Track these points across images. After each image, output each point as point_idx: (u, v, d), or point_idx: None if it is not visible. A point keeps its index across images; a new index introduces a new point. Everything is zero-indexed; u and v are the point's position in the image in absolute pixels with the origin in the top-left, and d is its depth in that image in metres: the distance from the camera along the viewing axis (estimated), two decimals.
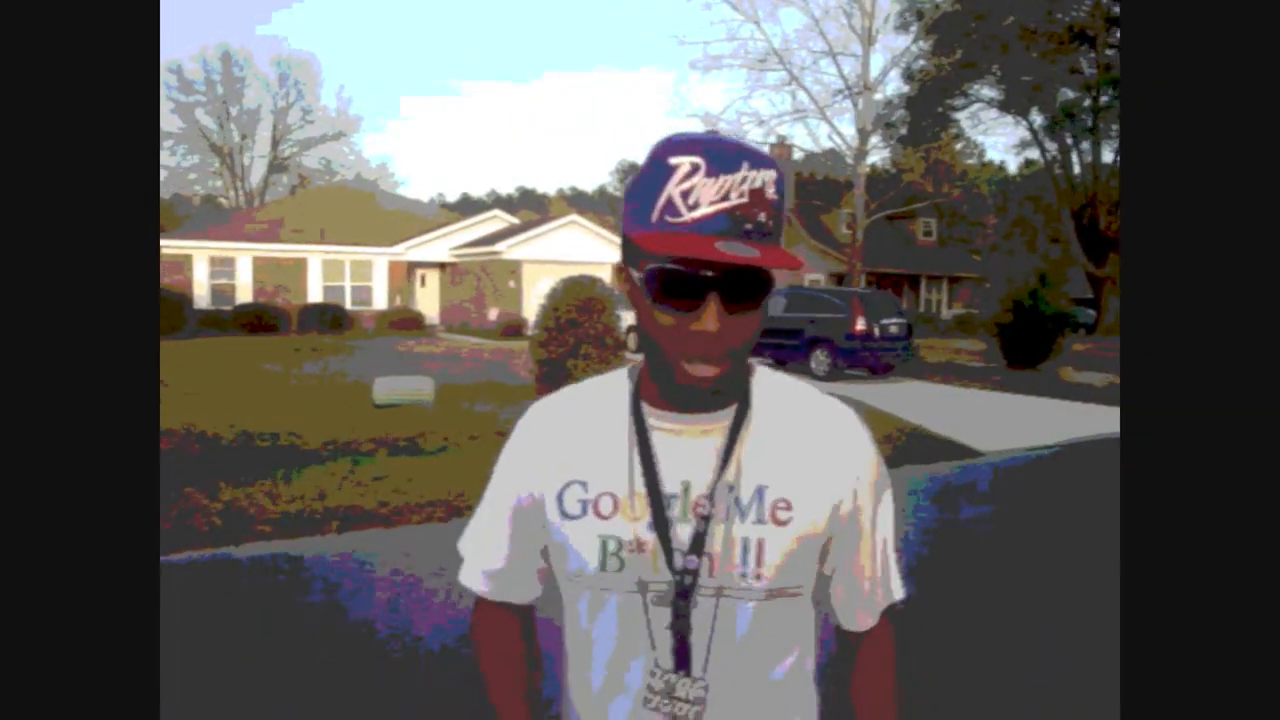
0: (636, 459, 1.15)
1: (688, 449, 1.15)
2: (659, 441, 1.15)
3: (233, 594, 5.05)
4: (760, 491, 1.13)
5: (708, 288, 1.01)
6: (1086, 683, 3.89)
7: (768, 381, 1.22)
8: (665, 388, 1.15)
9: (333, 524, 6.42)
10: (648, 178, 1.04)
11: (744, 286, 1.02)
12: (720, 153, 1.01)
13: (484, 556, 1.29)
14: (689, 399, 1.14)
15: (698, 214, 1.00)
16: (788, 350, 17.84)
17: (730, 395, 1.16)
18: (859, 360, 17.14)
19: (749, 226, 1.01)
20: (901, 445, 10.08)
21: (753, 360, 1.21)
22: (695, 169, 1.00)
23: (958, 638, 4.49)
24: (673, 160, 1.02)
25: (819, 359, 17.24)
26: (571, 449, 1.20)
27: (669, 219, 1.01)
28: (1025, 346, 19.06)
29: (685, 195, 1.00)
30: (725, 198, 1.00)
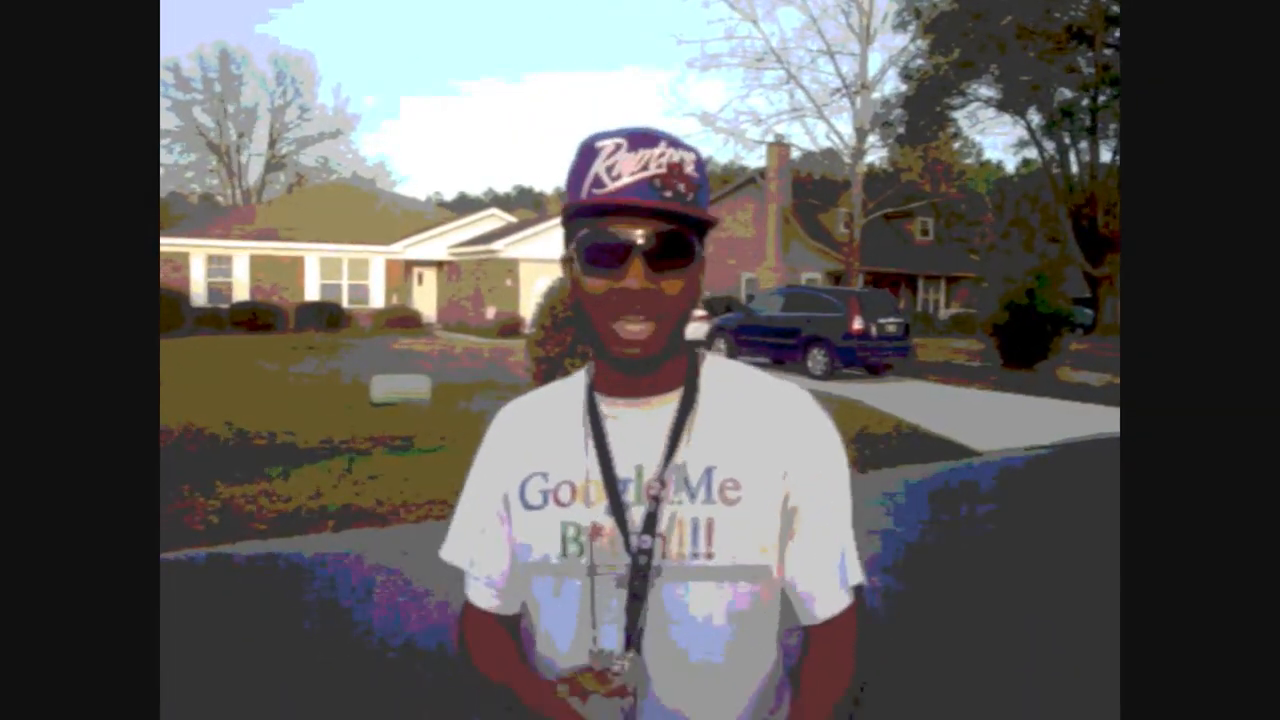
0: (591, 446, 1.20)
1: (640, 433, 1.19)
2: (612, 428, 1.20)
3: (229, 592, 5.04)
4: (709, 472, 1.16)
5: (631, 248, 1.09)
6: (1085, 683, 3.89)
7: (717, 367, 1.27)
8: (609, 366, 1.20)
9: (329, 522, 6.42)
10: (577, 163, 1.14)
11: (667, 247, 1.10)
12: (640, 134, 1.12)
13: (476, 566, 1.31)
14: (630, 370, 1.18)
15: (620, 183, 1.09)
16: (785, 349, 17.84)
17: (674, 374, 1.21)
18: (856, 360, 17.13)
19: (668, 194, 1.09)
20: (898, 444, 10.10)
21: (705, 351, 1.29)
22: (618, 147, 1.10)
23: (955, 637, 4.49)
24: (598, 145, 1.12)
25: (816, 358, 17.24)
26: (533, 443, 1.25)
27: (595, 191, 1.10)
28: (1023, 346, 19.06)
29: (609, 170, 1.10)
30: (645, 168, 1.09)
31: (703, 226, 1.14)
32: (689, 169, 1.12)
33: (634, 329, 1.11)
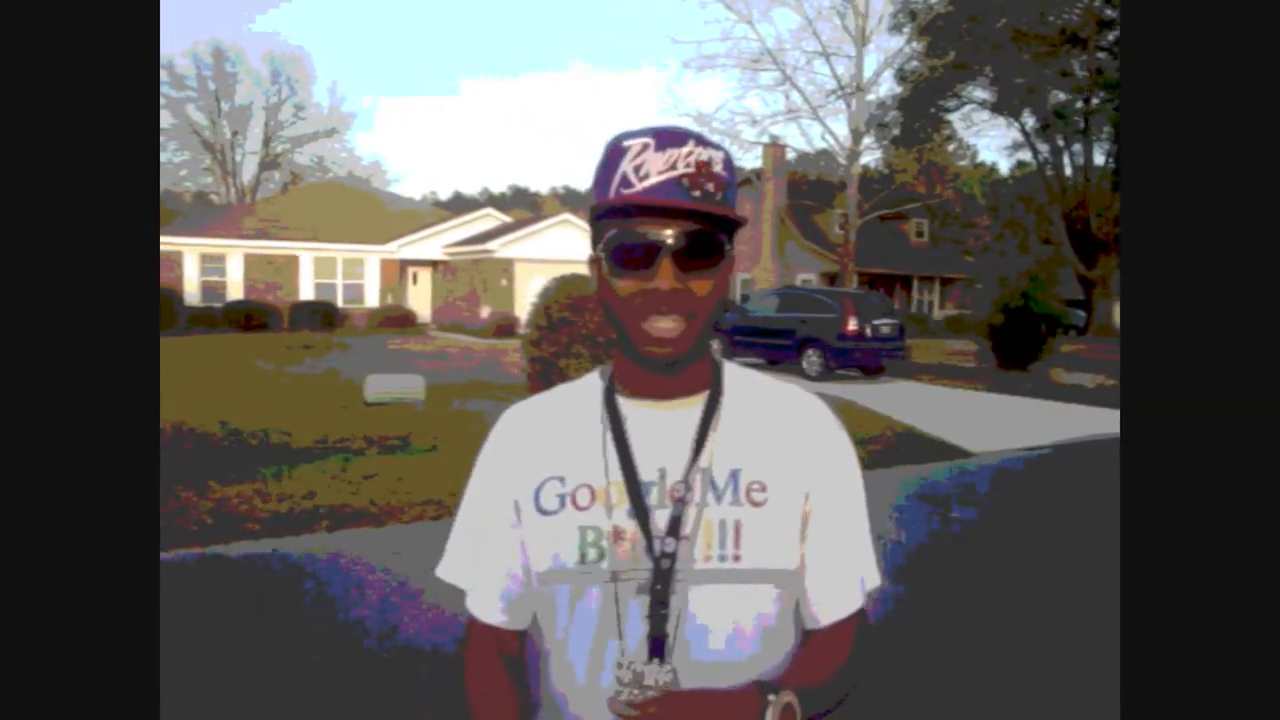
0: (612, 449, 1.17)
1: (662, 436, 1.17)
2: (634, 430, 1.18)
3: (222, 593, 5.02)
4: (735, 474, 1.15)
5: (660, 248, 1.08)
6: (1079, 683, 3.90)
7: (737, 373, 1.26)
8: (635, 369, 1.18)
9: (323, 522, 6.40)
10: (604, 163, 1.12)
11: (696, 248, 1.09)
12: (668, 133, 1.10)
13: (481, 581, 1.26)
14: (658, 369, 1.15)
15: (648, 183, 1.08)
16: (780, 350, 17.86)
17: (699, 376, 1.20)
18: (851, 360, 17.16)
19: (696, 193, 1.08)
20: (892, 446, 10.10)
21: (724, 359, 1.28)
22: (645, 147, 1.09)
23: (948, 637, 4.49)
24: (626, 143, 1.11)
25: (811, 359, 17.26)
26: (546, 446, 1.21)
27: (623, 191, 1.09)
28: (1017, 348, 19.10)
29: (637, 169, 1.08)
30: (673, 167, 1.08)
31: (732, 225, 1.12)
32: (717, 168, 1.10)
33: (664, 326, 1.09)
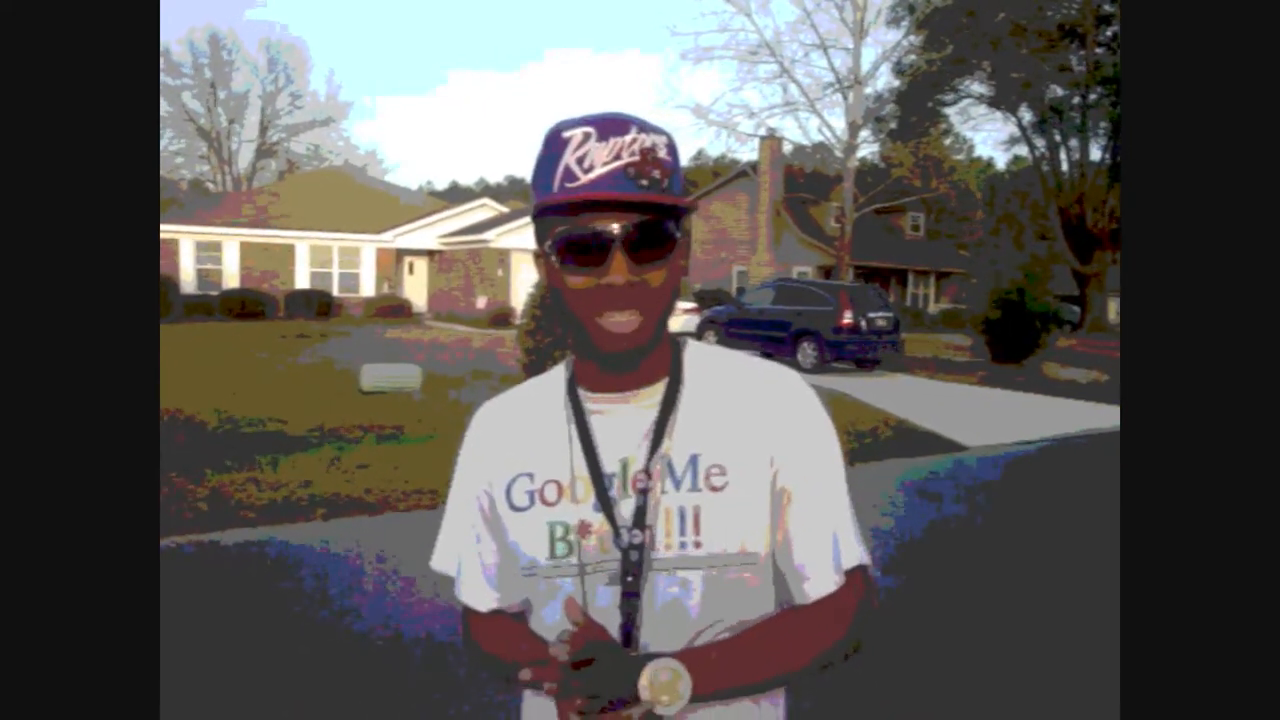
0: (576, 442, 1.17)
1: (624, 426, 1.17)
2: (596, 423, 1.18)
3: (217, 581, 5.03)
4: (694, 460, 1.14)
5: (611, 242, 1.05)
6: (1076, 674, 3.92)
7: (701, 353, 1.24)
8: (593, 362, 1.17)
9: (318, 511, 6.40)
10: (545, 157, 1.09)
11: (647, 238, 1.07)
12: (609, 121, 1.07)
13: (469, 570, 1.29)
14: (617, 365, 1.15)
15: (593, 175, 1.04)
16: (775, 342, 17.86)
17: (658, 364, 1.18)
18: (846, 353, 17.17)
19: (644, 182, 1.05)
20: (887, 439, 10.12)
21: (688, 338, 1.26)
22: (587, 137, 1.06)
23: (942, 629, 4.51)
24: (565, 134, 1.07)
25: (806, 352, 17.27)
26: (515, 443, 1.22)
27: (567, 184, 1.06)
28: (1012, 342, 19.13)
29: (580, 161, 1.05)
30: (617, 157, 1.05)
31: (680, 213, 1.10)
32: (661, 153, 1.07)
33: (621, 320, 1.08)
